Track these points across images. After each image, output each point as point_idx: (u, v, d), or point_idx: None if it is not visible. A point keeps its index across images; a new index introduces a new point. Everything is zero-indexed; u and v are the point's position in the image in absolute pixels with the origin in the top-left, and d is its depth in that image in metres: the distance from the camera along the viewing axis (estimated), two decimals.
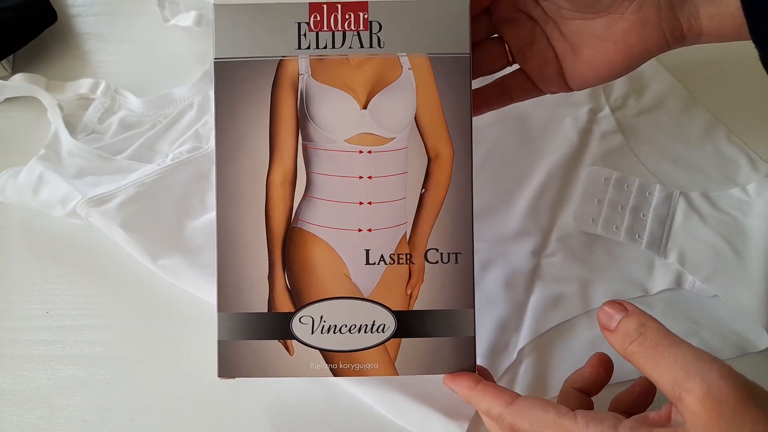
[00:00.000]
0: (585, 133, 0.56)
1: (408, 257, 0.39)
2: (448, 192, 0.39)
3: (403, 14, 0.39)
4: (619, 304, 0.36)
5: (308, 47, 0.39)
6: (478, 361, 0.47)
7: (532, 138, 0.56)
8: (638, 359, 0.34)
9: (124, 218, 0.50)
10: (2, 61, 0.64)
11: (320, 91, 0.39)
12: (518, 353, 0.48)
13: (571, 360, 0.47)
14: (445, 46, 0.39)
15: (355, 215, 0.39)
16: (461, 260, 0.39)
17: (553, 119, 0.56)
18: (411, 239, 0.39)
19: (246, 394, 0.48)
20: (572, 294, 0.50)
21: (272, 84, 0.39)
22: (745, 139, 0.55)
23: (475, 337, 0.39)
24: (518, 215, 0.52)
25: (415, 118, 0.39)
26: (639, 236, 0.50)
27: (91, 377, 0.49)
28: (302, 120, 0.39)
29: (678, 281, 0.50)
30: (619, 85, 0.58)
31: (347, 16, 0.39)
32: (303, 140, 0.39)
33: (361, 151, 0.39)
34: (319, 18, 0.39)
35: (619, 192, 0.52)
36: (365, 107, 0.39)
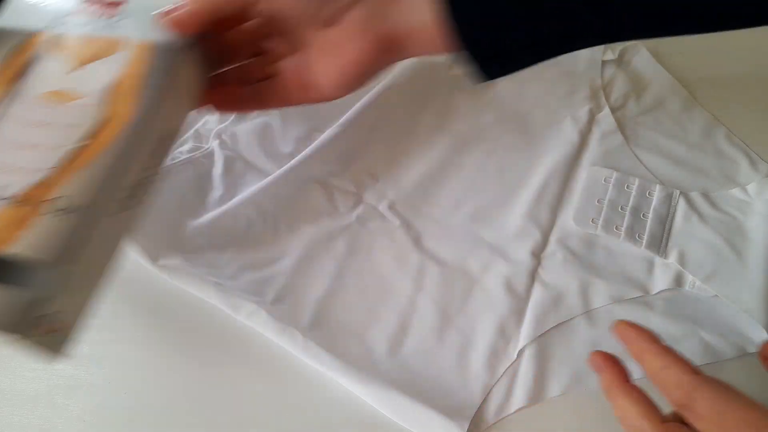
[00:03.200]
0: (585, 133, 0.55)
1: (31, 201, 0.36)
2: (105, 152, 0.37)
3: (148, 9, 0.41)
4: None
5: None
6: (481, 362, 0.46)
7: (532, 138, 0.56)
8: None
9: None
10: None
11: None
12: (518, 353, 0.47)
13: (571, 360, 0.47)
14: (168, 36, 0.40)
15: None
16: (78, 215, 0.36)
17: (553, 119, 0.56)
18: (42, 185, 0.36)
19: (246, 394, 0.47)
20: (572, 294, 0.49)
21: None
22: (745, 139, 0.55)
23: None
24: (518, 215, 0.52)
25: (114, 87, 0.39)
26: (639, 236, 0.50)
27: (91, 377, 0.48)
28: None
29: (678, 281, 0.49)
30: (619, 85, 0.58)
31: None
32: None
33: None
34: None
35: (619, 192, 0.52)
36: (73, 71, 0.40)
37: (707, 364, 0.46)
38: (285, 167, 0.53)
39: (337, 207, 0.53)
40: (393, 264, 0.50)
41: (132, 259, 0.51)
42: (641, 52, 0.59)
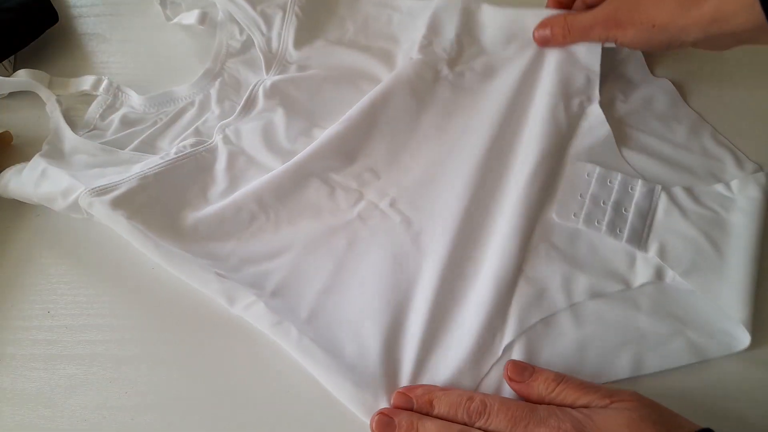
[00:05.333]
0: (573, 127, 0.54)
1: None
2: None
3: None
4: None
5: None
6: (470, 359, 0.45)
7: (526, 132, 0.54)
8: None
9: (126, 209, 0.49)
10: (4, 62, 0.63)
11: None
12: (503, 350, 0.46)
13: (557, 356, 0.46)
14: None
15: None
16: None
17: (547, 111, 0.54)
18: None
19: (247, 393, 0.47)
20: (555, 288, 0.48)
21: None
22: (731, 138, 0.54)
23: None
24: (509, 211, 0.50)
25: None
26: (620, 230, 0.49)
27: (92, 376, 0.48)
28: None
29: (659, 274, 0.48)
30: (609, 85, 0.56)
31: None
32: None
33: None
34: None
35: (601, 187, 0.51)
36: None
37: (695, 363, 0.45)
38: (287, 163, 0.52)
39: (339, 203, 0.53)
40: (391, 261, 0.50)
41: (132, 259, 0.51)
42: (635, 53, 0.58)
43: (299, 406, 0.46)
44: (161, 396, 0.47)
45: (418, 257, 0.50)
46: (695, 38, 0.48)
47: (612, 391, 0.40)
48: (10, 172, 0.55)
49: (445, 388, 0.43)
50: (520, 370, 0.43)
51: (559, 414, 0.38)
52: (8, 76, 0.62)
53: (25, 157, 0.55)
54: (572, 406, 0.40)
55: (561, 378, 0.41)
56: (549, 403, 0.41)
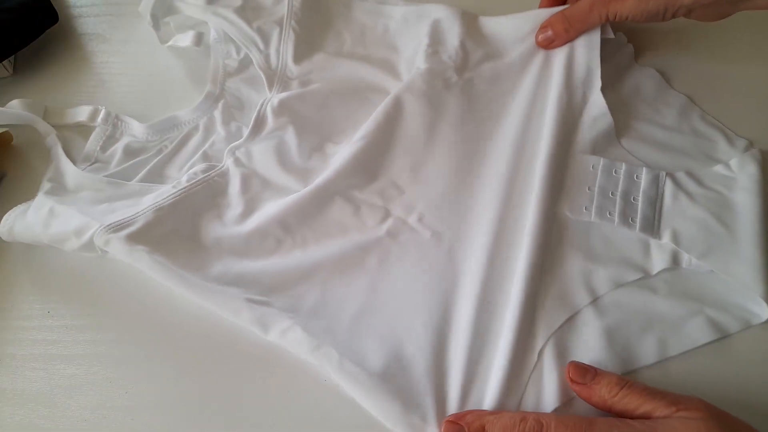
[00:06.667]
0: (575, 121, 0.54)
1: None
2: None
3: None
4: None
5: None
6: (508, 369, 0.43)
7: (540, 132, 0.53)
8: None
9: (146, 243, 0.46)
10: (4, 62, 0.62)
11: None
12: (538, 355, 0.44)
13: (589, 348, 0.44)
14: None
15: None
16: None
17: (555, 109, 0.53)
18: None
19: (246, 393, 0.45)
20: (577, 286, 0.46)
21: None
22: (719, 118, 0.55)
23: None
24: (531, 213, 0.49)
25: None
26: (632, 220, 0.48)
27: (92, 376, 0.46)
28: None
29: (675, 260, 0.47)
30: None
31: None
32: None
33: None
34: None
35: (607, 178, 0.50)
36: None
37: (715, 340, 0.44)
38: (308, 188, 0.50)
39: (365, 221, 0.50)
40: (426, 278, 0.47)
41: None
42: (621, 39, 0.59)
43: (299, 406, 0.44)
44: (161, 396, 0.45)
45: (453, 273, 0.48)
46: (690, 2, 0.50)
47: (677, 398, 0.37)
48: (13, 215, 0.51)
49: (495, 412, 0.40)
50: (582, 372, 0.41)
51: (620, 426, 0.36)
52: (8, 77, 0.61)
53: (25, 157, 0.54)
54: (634, 412, 0.38)
55: (624, 382, 0.39)
56: (610, 408, 0.39)
